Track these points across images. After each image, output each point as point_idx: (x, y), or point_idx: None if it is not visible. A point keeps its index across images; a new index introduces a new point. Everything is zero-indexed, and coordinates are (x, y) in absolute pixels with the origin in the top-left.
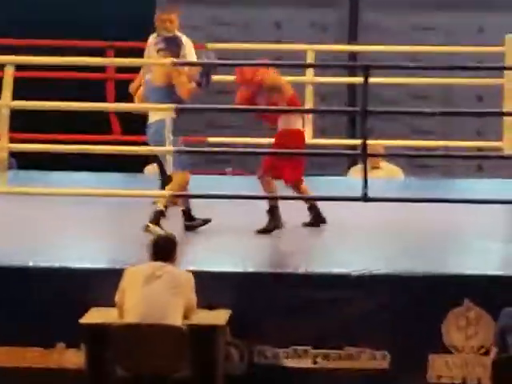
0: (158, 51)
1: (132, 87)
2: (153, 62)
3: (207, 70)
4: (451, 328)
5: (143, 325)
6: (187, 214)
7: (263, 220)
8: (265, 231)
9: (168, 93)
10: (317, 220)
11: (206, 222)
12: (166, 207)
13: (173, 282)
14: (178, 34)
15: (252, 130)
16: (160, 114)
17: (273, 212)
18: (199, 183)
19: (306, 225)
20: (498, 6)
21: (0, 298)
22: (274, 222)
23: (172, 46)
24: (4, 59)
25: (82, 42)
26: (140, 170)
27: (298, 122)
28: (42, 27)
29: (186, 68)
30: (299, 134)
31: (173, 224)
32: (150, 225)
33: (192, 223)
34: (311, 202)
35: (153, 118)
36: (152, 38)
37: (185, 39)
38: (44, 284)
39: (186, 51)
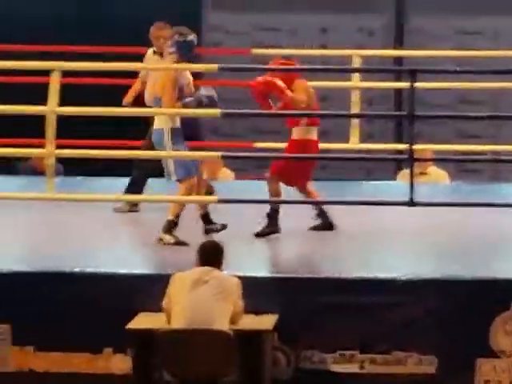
0: (170, 54)
1: (127, 99)
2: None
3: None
4: (498, 332)
5: (190, 330)
6: (206, 218)
7: (305, 224)
8: (262, 234)
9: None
10: (325, 225)
11: (224, 227)
12: (177, 216)
13: (220, 287)
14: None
15: None
16: (159, 123)
17: (272, 216)
18: (246, 188)
19: (314, 228)
20: None
21: (48, 303)
22: (272, 227)
23: (182, 50)
24: (52, 65)
25: (120, 48)
26: None
27: (314, 132)
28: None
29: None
30: (315, 146)
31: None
32: (164, 235)
33: (211, 227)
34: (320, 208)
35: (155, 125)
36: (150, 52)
37: None
38: (91, 289)
39: None
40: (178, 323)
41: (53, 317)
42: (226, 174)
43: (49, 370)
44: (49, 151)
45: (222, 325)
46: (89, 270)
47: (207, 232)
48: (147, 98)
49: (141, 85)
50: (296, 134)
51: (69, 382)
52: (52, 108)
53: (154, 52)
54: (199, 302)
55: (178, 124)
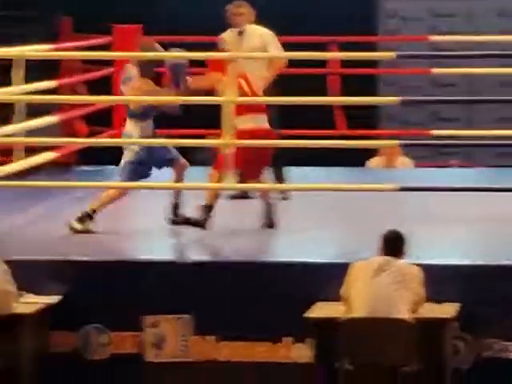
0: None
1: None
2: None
3: (176, 71)
4: None
5: (371, 318)
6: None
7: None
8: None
9: None
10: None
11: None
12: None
13: (400, 275)
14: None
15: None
16: None
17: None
18: (425, 175)
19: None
20: None
21: (229, 292)
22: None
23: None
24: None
25: (306, 38)
26: (362, 164)
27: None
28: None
29: None
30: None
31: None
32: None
33: (176, 219)
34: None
35: None
36: (228, 33)
37: (262, 32)
38: (272, 279)
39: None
40: (358, 312)
41: (234, 306)
42: (405, 162)
43: (230, 359)
44: (226, 141)
45: (403, 313)
46: (269, 259)
47: (174, 223)
48: None
49: None
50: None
51: (249, 371)
52: (229, 98)
53: (235, 33)
54: (380, 291)
55: None
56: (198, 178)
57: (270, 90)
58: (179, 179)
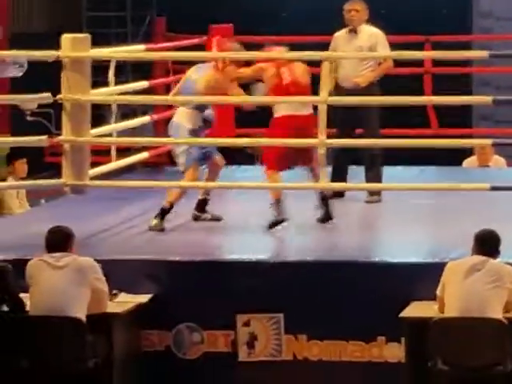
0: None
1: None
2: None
3: None
4: None
5: (464, 318)
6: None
7: None
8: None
9: None
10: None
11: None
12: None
13: (494, 275)
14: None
15: None
16: None
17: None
18: None
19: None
20: None
21: (320, 292)
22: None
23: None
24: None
25: (400, 38)
26: (459, 163)
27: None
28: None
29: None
30: None
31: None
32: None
33: (201, 215)
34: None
35: None
36: (341, 32)
37: (373, 32)
38: (366, 279)
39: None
40: (451, 312)
41: (326, 305)
42: (499, 161)
43: (323, 358)
44: (321, 141)
45: (496, 313)
46: (362, 260)
47: (196, 219)
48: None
49: None
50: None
51: (342, 370)
52: (324, 98)
53: (347, 32)
54: (473, 291)
55: None
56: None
57: (373, 90)
58: (213, 177)
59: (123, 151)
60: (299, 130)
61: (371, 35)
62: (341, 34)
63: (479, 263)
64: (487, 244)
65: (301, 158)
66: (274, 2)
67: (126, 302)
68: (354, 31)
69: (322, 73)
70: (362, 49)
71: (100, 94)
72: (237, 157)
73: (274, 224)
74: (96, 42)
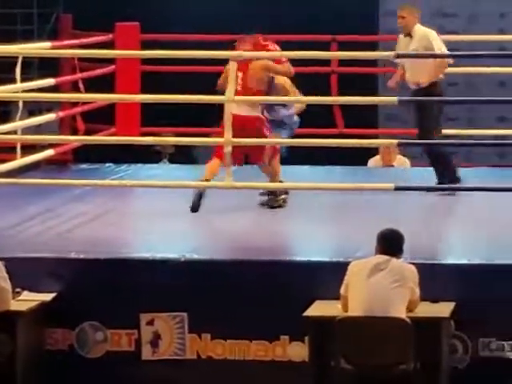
0: None
1: (391, 83)
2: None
3: None
4: None
5: (368, 317)
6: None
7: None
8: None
9: None
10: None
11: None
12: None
13: (397, 274)
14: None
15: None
16: None
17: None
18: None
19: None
20: None
21: (223, 291)
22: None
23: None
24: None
25: (306, 36)
26: (364, 163)
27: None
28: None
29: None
30: None
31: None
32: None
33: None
34: None
35: None
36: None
37: (425, 32)
38: (270, 278)
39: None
40: (355, 311)
41: (230, 305)
42: (402, 161)
43: (227, 357)
44: (226, 140)
45: (399, 312)
46: (264, 258)
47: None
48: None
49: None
50: None
51: (246, 369)
52: (231, 97)
53: (404, 35)
54: (376, 290)
55: None
56: None
57: (432, 90)
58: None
59: (28, 148)
60: (241, 129)
61: (422, 36)
62: (401, 38)
63: (382, 263)
64: (390, 243)
65: (251, 155)
66: (183, 1)
67: (29, 300)
68: (409, 35)
69: (229, 72)
70: (417, 51)
71: (6, 91)
72: (144, 154)
73: (195, 203)
74: (1, 40)
